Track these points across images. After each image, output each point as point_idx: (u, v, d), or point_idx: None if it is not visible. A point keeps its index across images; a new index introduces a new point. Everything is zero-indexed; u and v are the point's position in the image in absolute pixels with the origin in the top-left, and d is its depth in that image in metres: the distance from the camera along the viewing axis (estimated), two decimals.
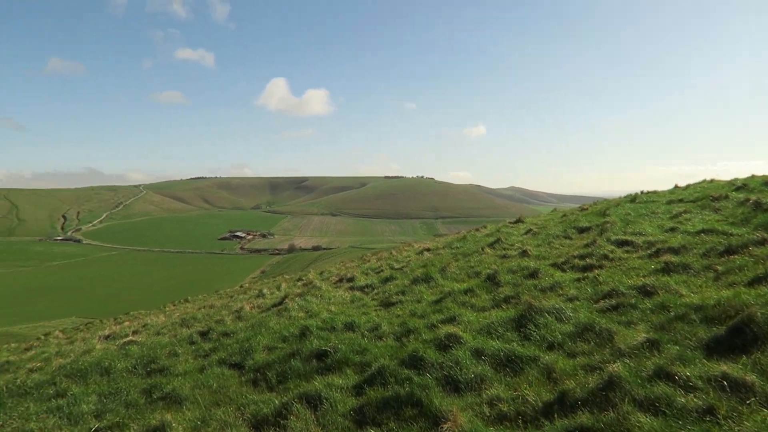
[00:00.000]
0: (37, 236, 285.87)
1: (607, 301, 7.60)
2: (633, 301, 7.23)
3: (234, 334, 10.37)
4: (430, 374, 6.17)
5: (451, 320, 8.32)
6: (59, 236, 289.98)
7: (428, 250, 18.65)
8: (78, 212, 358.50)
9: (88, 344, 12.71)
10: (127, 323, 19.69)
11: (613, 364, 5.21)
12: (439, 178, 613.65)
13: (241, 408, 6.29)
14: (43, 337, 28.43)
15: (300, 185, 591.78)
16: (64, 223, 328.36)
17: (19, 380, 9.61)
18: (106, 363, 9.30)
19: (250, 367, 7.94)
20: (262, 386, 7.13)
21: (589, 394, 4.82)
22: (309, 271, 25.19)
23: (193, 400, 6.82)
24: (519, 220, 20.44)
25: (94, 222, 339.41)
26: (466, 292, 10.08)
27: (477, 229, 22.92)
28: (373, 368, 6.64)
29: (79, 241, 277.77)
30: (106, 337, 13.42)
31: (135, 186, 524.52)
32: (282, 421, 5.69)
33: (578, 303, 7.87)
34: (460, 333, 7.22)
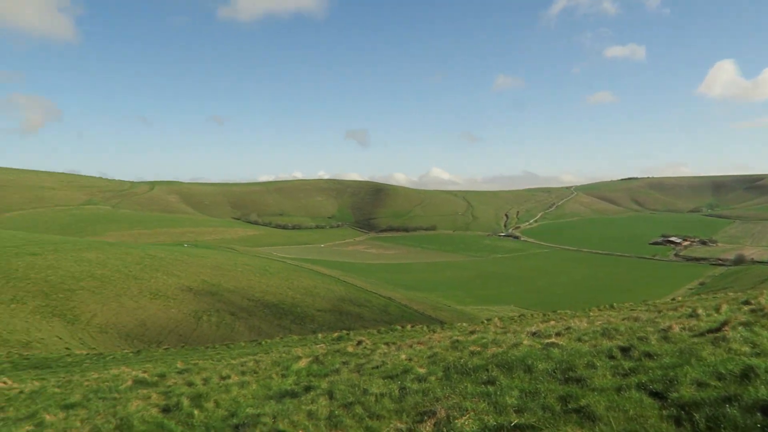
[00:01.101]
0: (485, 231, 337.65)
1: None
2: None
3: (658, 357, 9.51)
4: None
5: None
6: (502, 232, 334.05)
7: None
8: (517, 212, 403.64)
9: (517, 338, 14.06)
10: (552, 322, 20.82)
11: None
12: None
13: None
14: (485, 322, 33.23)
15: (752, 185, 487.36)
16: (506, 221, 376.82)
17: (462, 360, 11.53)
18: (530, 361, 10.08)
19: (673, 401, 7.12)
20: (687, 428, 6.28)
21: None
22: (762, 291, 20.54)
23: (606, 422, 6.63)
24: None
25: (530, 221, 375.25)
26: None
27: None
28: None
29: (517, 237, 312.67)
30: (533, 334, 14.54)
31: (566, 187, 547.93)
32: None
33: None
34: None
